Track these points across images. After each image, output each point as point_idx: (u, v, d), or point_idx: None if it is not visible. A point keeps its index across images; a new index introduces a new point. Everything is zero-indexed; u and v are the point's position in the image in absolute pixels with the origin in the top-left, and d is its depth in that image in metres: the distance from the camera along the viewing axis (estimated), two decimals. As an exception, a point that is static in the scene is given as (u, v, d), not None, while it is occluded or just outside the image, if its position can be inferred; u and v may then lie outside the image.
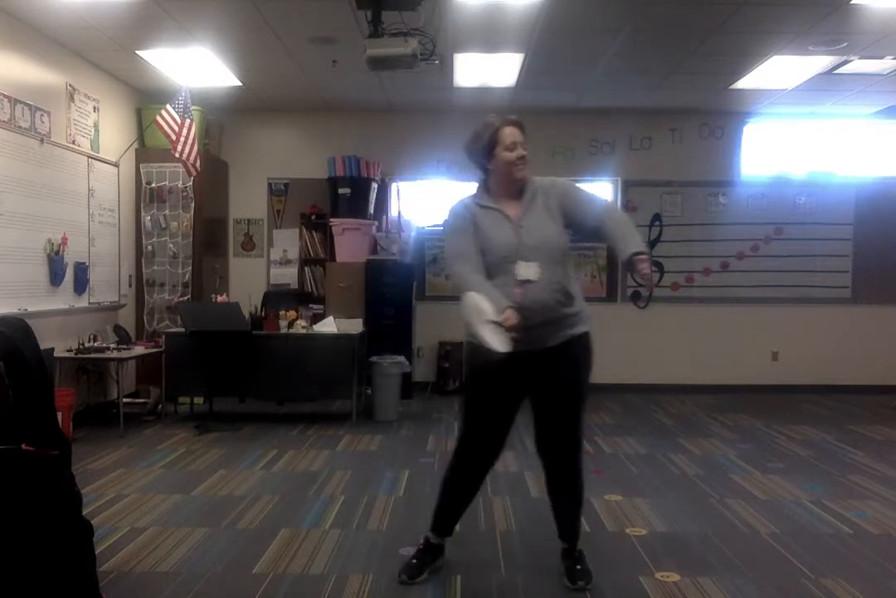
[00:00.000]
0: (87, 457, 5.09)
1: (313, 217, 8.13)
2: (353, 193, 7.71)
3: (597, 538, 3.58)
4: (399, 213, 8.24)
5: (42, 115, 5.72)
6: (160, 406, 6.58)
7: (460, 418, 3.18)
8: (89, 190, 6.42)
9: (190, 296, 7.25)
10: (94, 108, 6.55)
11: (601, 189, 8.12)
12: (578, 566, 3.11)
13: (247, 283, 7.87)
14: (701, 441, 5.80)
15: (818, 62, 6.30)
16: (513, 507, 4.11)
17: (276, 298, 7.06)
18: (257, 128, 8.19)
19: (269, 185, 8.25)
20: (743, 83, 6.97)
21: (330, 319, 6.56)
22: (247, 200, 8.23)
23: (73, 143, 6.18)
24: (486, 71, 6.67)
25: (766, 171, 8.29)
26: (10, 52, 5.38)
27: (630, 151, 8.22)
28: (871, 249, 8.18)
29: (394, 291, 7.48)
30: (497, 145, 2.98)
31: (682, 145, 8.22)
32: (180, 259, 7.30)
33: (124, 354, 6.12)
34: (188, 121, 6.34)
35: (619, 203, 7.95)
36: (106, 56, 6.35)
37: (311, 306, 7.46)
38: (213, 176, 7.65)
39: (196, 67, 6.52)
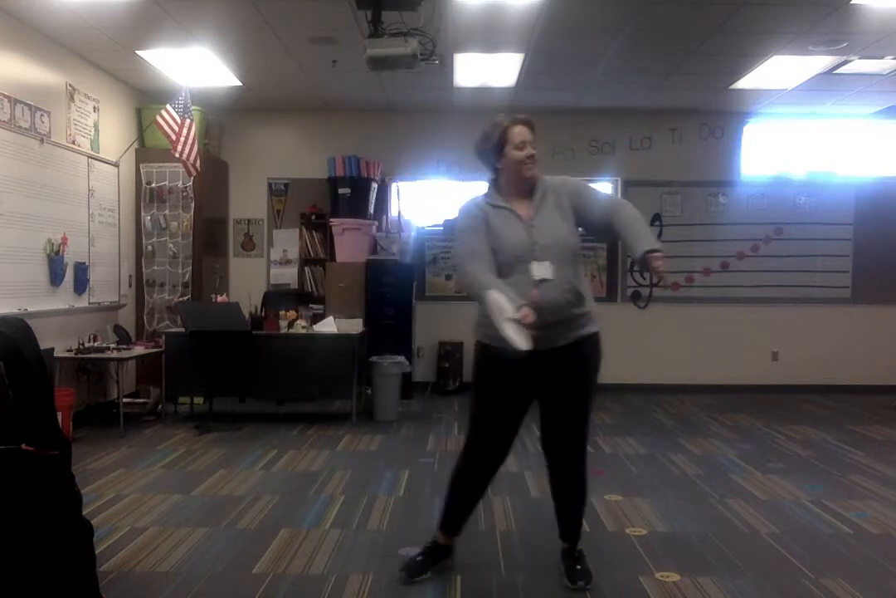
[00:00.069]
0: (87, 457, 5.09)
1: (313, 217, 8.13)
2: (353, 193, 7.71)
3: (597, 538, 3.58)
4: (399, 213, 8.24)
5: (42, 115, 5.72)
6: (160, 406, 6.58)
7: (469, 417, 3.18)
8: (89, 190, 6.42)
9: (190, 296, 7.25)
10: (94, 108, 6.55)
11: (601, 189, 8.12)
12: (578, 566, 3.11)
13: (247, 283, 7.87)
14: (701, 441, 5.80)
15: (818, 62, 6.30)
16: (513, 507, 4.11)
17: (276, 298, 7.06)
18: (257, 128, 8.19)
19: (269, 185, 8.25)
20: (743, 83, 6.97)
21: (330, 319, 6.56)
22: (247, 200, 8.23)
23: (73, 143, 6.18)
24: (486, 71, 6.67)
25: (766, 171, 8.29)
26: (10, 52, 5.38)
27: (630, 151, 8.22)
28: (871, 249, 8.18)
29: (394, 291, 7.48)
30: (506, 144, 2.99)
31: (682, 145, 8.22)
32: (180, 259, 7.30)
33: (124, 354, 6.12)
34: (188, 121, 6.34)
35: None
36: (106, 56, 6.35)
37: (311, 306, 7.46)
38: (213, 176, 7.65)
39: (196, 67, 6.52)
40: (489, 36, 5.73)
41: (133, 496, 4.26)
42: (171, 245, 7.30)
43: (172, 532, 3.67)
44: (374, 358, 6.54)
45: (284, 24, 5.53)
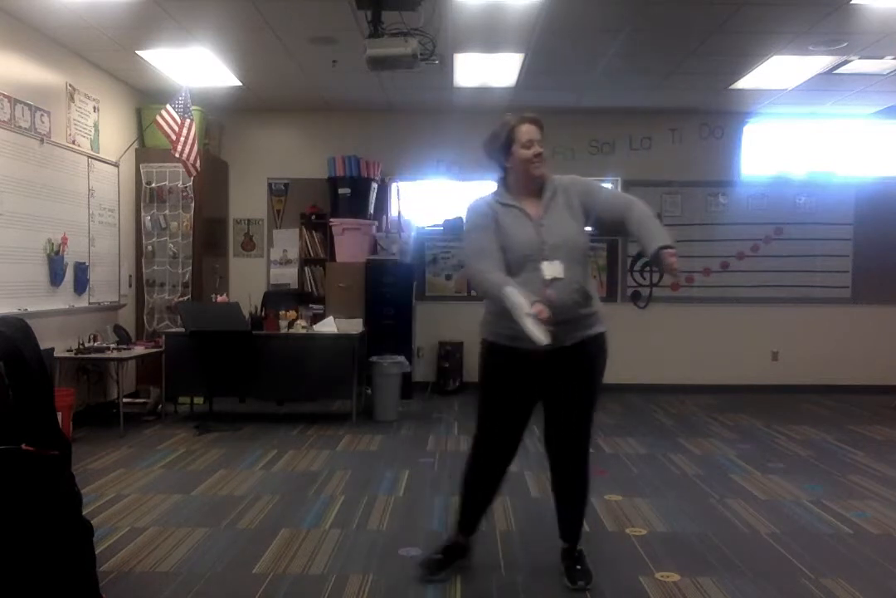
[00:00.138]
0: (87, 457, 5.09)
1: (313, 217, 8.12)
2: (353, 193, 7.71)
3: (597, 538, 3.58)
4: (399, 213, 8.24)
5: (42, 115, 5.72)
6: (160, 406, 6.58)
7: (476, 416, 3.18)
8: (89, 190, 6.42)
9: (190, 296, 7.25)
10: (94, 108, 6.55)
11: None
12: (578, 566, 3.11)
13: (247, 283, 7.87)
14: (701, 441, 5.80)
15: (818, 62, 6.30)
16: (513, 507, 4.11)
17: (276, 298, 7.06)
18: (257, 128, 8.19)
19: (269, 185, 8.25)
20: (743, 83, 6.97)
21: (330, 319, 6.56)
22: (247, 200, 8.23)
23: (73, 143, 6.18)
24: (486, 71, 6.66)
25: (766, 171, 8.29)
26: (10, 52, 5.38)
27: (630, 151, 8.22)
28: (871, 249, 8.17)
29: (394, 292, 7.48)
30: (514, 143, 2.99)
31: (682, 145, 8.22)
32: (180, 259, 7.30)
33: (124, 354, 6.12)
34: (188, 121, 6.34)
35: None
36: (106, 56, 6.35)
37: (311, 306, 7.46)
38: (213, 176, 7.65)
39: (196, 67, 6.52)
40: (489, 36, 5.73)
41: (133, 496, 4.26)
42: (171, 245, 7.30)
43: (172, 532, 3.67)
44: (374, 358, 6.54)
45: (284, 24, 5.53)
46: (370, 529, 3.76)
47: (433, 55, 5.04)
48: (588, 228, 3.08)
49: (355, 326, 6.57)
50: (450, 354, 7.96)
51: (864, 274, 8.22)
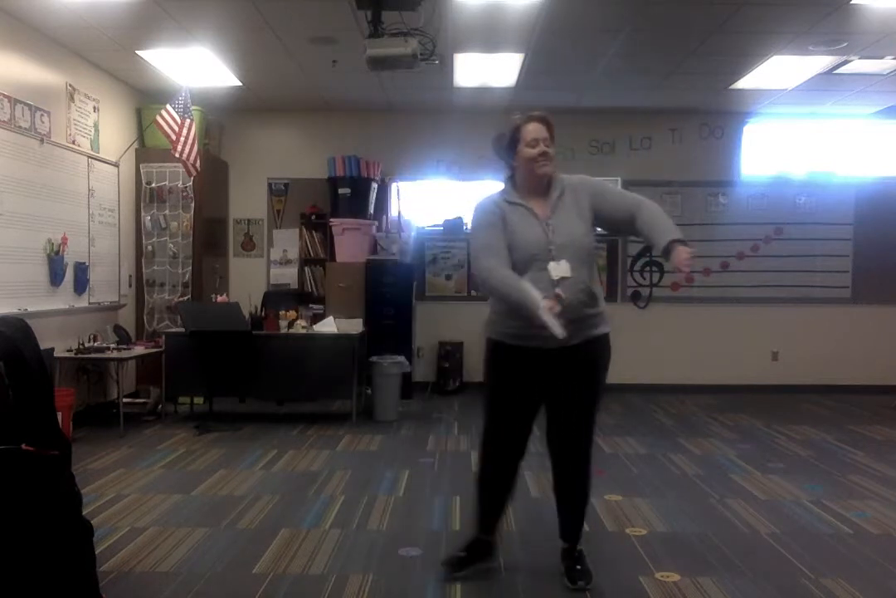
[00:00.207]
0: (87, 457, 5.09)
1: (313, 217, 8.12)
2: (353, 193, 7.71)
3: (597, 538, 3.58)
4: (399, 213, 8.24)
5: (42, 115, 5.72)
6: (160, 406, 6.58)
7: (483, 415, 3.19)
8: (89, 190, 6.42)
9: (190, 296, 7.25)
10: (94, 108, 6.55)
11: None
12: (578, 566, 3.11)
13: (247, 283, 7.87)
14: (701, 441, 5.80)
15: (818, 62, 6.30)
16: (513, 507, 4.08)
17: (276, 298, 7.06)
18: (257, 128, 8.19)
19: (269, 185, 8.25)
20: (743, 83, 6.97)
21: (330, 319, 6.56)
22: (247, 200, 8.23)
23: (73, 143, 6.18)
24: (486, 71, 6.66)
25: (766, 171, 8.29)
26: (10, 52, 5.38)
27: (630, 151, 8.22)
28: (871, 249, 8.17)
29: (394, 292, 7.48)
30: (519, 142, 3.00)
31: (682, 145, 8.22)
32: (180, 259, 7.30)
33: (124, 354, 6.12)
34: (188, 121, 6.34)
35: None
36: (106, 56, 6.35)
37: (311, 306, 7.46)
38: (213, 176, 7.65)
39: (196, 67, 6.52)
40: (489, 36, 5.73)
41: (133, 496, 4.26)
42: (171, 245, 7.30)
43: (172, 532, 3.67)
44: (374, 358, 6.54)
45: (284, 24, 5.53)
46: (370, 529, 3.76)
47: (433, 55, 5.04)
48: (597, 229, 3.08)
49: (355, 326, 6.57)
50: (450, 354, 7.96)
51: (864, 274, 8.21)
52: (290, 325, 6.42)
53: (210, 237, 7.59)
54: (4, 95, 5.26)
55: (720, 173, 8.23)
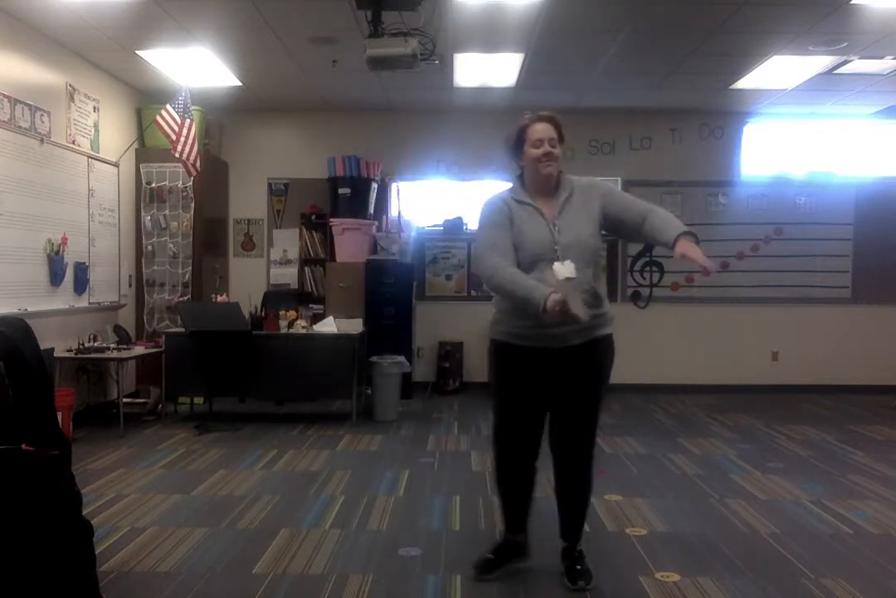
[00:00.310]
0: (87, 457, 5.09)
1: (313, 217, 8.12)
2: (353, 193, 7.71)
3: (597, 538, 3.58)
4: (399, 213, 8.24)
5: (42, 115, 5.72)
6: (160, 406, 6.58)
7: (493, 417, 3.21)
8: (89, 190, 6.42)
9: (190, 296, 7.25)
10: (94, 108, 6.55)
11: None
12: (578, 566, 3.11)
13: (247, 283, 7.87)
14: (701, 441, 5.80)
15: (818, 62, 6.30)
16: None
17: (276, 298, 7.06)
18: (257, 128, 8.19)
19: (269, 185, 8.25)
20: (743, 83, 6.97)
21: (330, 319, 6.56)
22: (247, 200, 8.23)
23: (73, 143, 6.18)
24: (486, 71, 6.66)
25: (766, 171, 8.29)
26: (10, 52, 5.38)
27: (630, 151, 8.22)
28: (871, 249, 8.17)
29: (394, 292, 7.48)
30: (525, 142, 3.01)
31: (682, 145, 8.22)
32: (180, 259, 7.30)
33: (124, 354, 6.12)
34: (188, 121, 6.33)
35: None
36: (106, 56, 6.35)
37: (311, 306, 7.46)
38: (213, 176, 7.65)
39: (196, 67, 6.52)
40: (489, 36, 5.73)
41: (133, 496, 4.26)
42: (171, 245, 7.30)
43: (172, 532, 3.67)
44: (374, 358, 6.54)
45: (284, 24, 5.53)
46: (370, 529, 3.76)
47: (433, 55, 5.04)
48: (602, 231, 3.09)
49: (355, 326, 6.57)
50: (450, 354, 7.96)
51: (864, 274, 8.21)
52: (290, 325, 6.42)
53: (210, 237, 7.59)
54: (4, 95, 5.26)
55: (720, 173, 8.23)
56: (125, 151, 7.04)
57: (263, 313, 6.49)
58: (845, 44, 5.81)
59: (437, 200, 8.31)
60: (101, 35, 5.76)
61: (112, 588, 2.97)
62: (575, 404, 3.05)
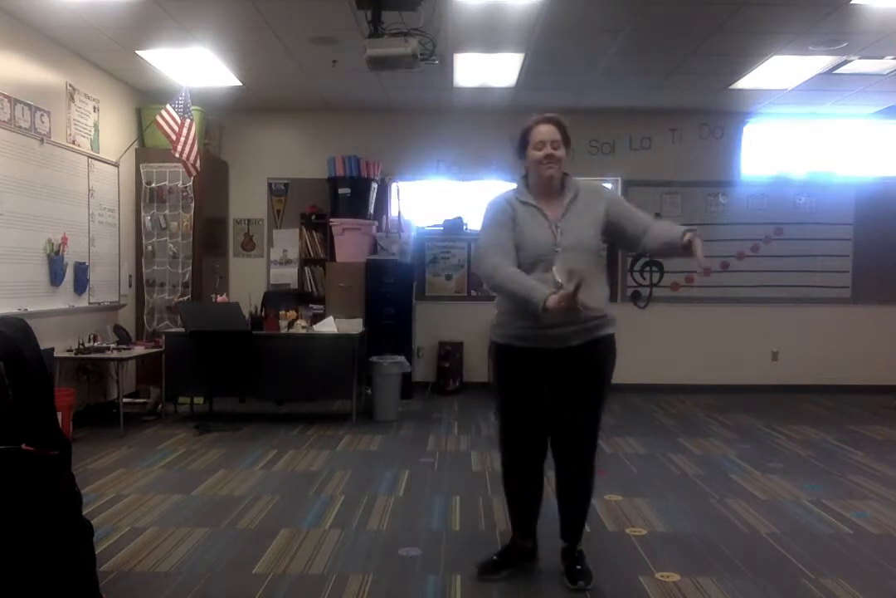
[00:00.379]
0: (87, 457, 5.09)
1: (313, 217, 8.12)
2: (353, 193, 7.71)
3: (597, 538, 3.58)
4: (399, 213, 8.24)
5: (42, 115, 5.72)
6: (160, 406, 6.58)
7: (498, 420, 3.21)
8: (89, 190, 6.42)
9: (190, 296, 7.25)
10: (94, 108, 6.55)
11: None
12: (578, 566, 3.11)
13: (247, 283, 7.87)
14: (701, 441, 5.80)
15: (818, 62, 6.30)
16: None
17: (276, 298, 7.06)
18: (257, 128, 8.19)
19: (269, 185, 8.25)
20: (743, 83, 6.97)
21: (330, 319, 6.56)
22: (247, 200, 8.23)
23: (73, 143, 6.18)
24: (486, 71, 6.66)
25: (766, 171, 8.29)
26: (10, 52, 5.38)
27: (630, 151, 8.22)
28: (871, 249, 8.17)
29: (394, 292, 7.48)
30: (528, 144, 3.03)
31: (682, 145, 8.22)
32: (180, 259, 7.30)
33: (124, 354, 6.12)
34: (188, 121, 6.34)
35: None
36: (106, 56, 6.35)
37: (311, 306, 7.46)
38: (213, 176, 7.65)
39: (196, 67, 6.52)
40: (489, 36, 5.73)
41: (133, 496, 4.26)
42: (171, 245, 7.30)
43: (172, 532, 3.68)
44: (374, 358, 6.54)
45: (284, 24, 5.53)
46: (370, 529, 3.76)
47: (433, 55, 5.04)
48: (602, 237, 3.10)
49: (355, 326, 6.57)
50: (450, 354, 7.96)
51: (864, 274, 8.21)
52: (290, 325, 6.42)
53: (210, 237, 7.59)
54: (4, 95, 5.26)
55: (720, 173, 8.22)
56: (125, 151, 7.04)
57: (263, 313, 6.49)
58: (845, 44, 5.81)
59: (437, 200, 8.31)
60: (101, 35, 5.76)
61: (112, 588, 2.97)
62: (576, 405, 3.06)
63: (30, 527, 2.28)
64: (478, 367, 7.99)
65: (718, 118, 8.15)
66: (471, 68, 6.58)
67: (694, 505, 4.18)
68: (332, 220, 7.79)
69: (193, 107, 6.52)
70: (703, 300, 8.25)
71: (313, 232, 8.14)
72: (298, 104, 7.91)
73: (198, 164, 6.50)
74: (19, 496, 2.27)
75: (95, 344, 6.19)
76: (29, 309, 5.42)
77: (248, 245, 8.27)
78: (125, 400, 6.24)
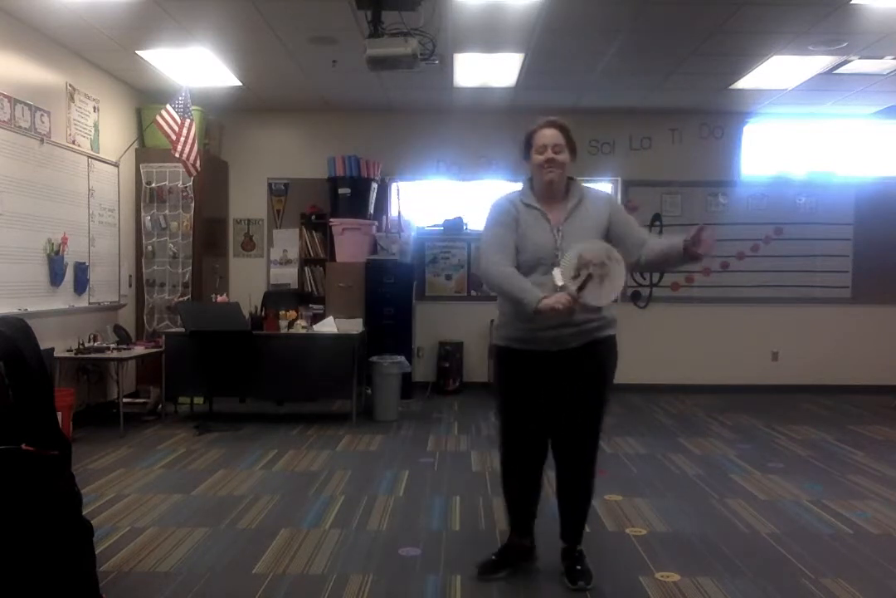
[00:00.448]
0: (87, 457, 5.09)
1: (313, 217, 8.12)
2: (353, 193, 7.71)
3: (597, 538, 3.58)
4: (399, 213, 8.24)
5: (42, 115, 5.72)
6: (160, 406, 6.58)
7: (499, 421, 3.22)
8: (89, 190, 6.42)
9: (190, 296, 7.25)
10: (94, 108, 6.55)
11: (601, 189, 8.13)
12: (578, 567, 3.11)
13: (247, 283, 7.87)
14: (701, 441, 5.80)
15: (818, 62, 6.30)
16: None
17: (276, 298, 7.06)
18: (257, 128, 8.19)
19: (269, 185, 8.25)
20: (743, 83, 6.97)
21: (330, 319, 6.56)
22: (247, 200, 8.23)
23: (73, 143, 6.18)
24: (486, 71, 6.66)
25: (766, 171, 8.29)
26: (10, 52, 5.38)
27: (630, 151, 8.22)
28: (871, 249, 8.17)
29: (394, 291, 7.48)
30: (531, 148, 3.04)
31: (682, 145, 8.22)
32: (180, 259, 7.30)
33: (124, 354, 6.12)
34: (188, 121, 6.33)
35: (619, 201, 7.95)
36: (106, 56, 6.35)
37: (311, 306, 7.46)
38: (213, 176, 7.65)
39: (196, 67, 6.52)
40: (489, 36, 5.73)
41: (133, 496, 4.26)
42: (171, 245, 7.30)
43: (172, 532, 3.68)
44: (374, 358, 6.54)
45: (284, 24, 5.53)
46: (370, 529, 3.76)
47: (433, 55, 5.04)
48: None
49: (355, 326, 6.57)
50: (450, 354, 7.96)
51: (864, 274, 8.21)
52: (290, 325, 6.42)
53: (210, 237, 7.59)
54: (4, 95, 5.26)
55: (720, 173, 8.22)
56: (125, 151, 7.04)
57: (263, 313, 6.49)
58: (845, 44, 5.81)
59: (437, 200, 8.31)
60: (101, 35, 5.76)
61: (112, 588, 2.97)
62: (576, 406, 3.06)
63: (30, 527, 2.28)
64: (478, 367, 7.99)
65: (718, 118, 8.15)
66: (471, 68, 6.58)
67: (694, 505, 4.19)
68: (332, 220, 7.79)
69: (193, 107, 6.52)
70: (703, 300, 8.25)
71: (313, 232, 8.14)
72: (298, 104, 7.91)
73: (198, 164, 6.50)
74: (19, 496, 2.27)
75: (95, 344, 6.19)
76: (29, 309, 5.42)
77: (248, 245, 8.27)
78: (125, 400, 6.24)
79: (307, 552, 3.43)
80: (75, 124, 6.21)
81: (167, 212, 7.29)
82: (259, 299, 6.85)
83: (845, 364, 8.12)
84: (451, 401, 7.55)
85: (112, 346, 6.28)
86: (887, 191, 8.20)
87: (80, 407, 6.04)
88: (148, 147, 7.33)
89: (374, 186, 7.83)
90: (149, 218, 7.30)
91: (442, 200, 8.30)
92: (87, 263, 6.35)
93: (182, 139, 6.31)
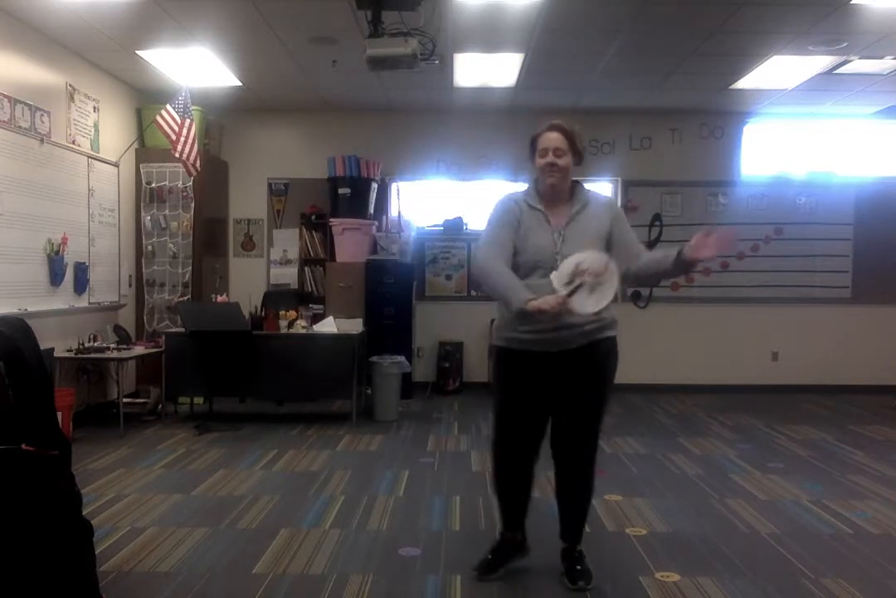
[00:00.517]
0: (87, 457, 5.09)
1: (313, 217, 8.12)
2: (353, 193, 7.71)
3: (597, 538, 3.58)
4: (399, 213, 8.24)
5: (42, 115, 5.72)
6: (160, 406, 6.58)
7: (493, 420, 3.22)
8: (89, 190, 6.42)
9: (190, 296, 7.25)
10: (94, 108, 6.55)
11: (601, 189, 8.13)
12: (578, 567, 3.11)
13: (247, 283, 7.87)
14: (701, 441, 5.80)
15: (818, 62, 6.30)
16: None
17: (276, 298, 7.05)
18: (257, 128, 8.19)
19: (269, 185, 8.25)
20: (743, 83, 6.97)
21: (330, 319, 6.56)
22: (247, 200, 8.23)
23: (73, 143, 6.18)
24: (486, 71, 6.66)
25: (766, 171, 8.29)
26: (10, 52, 5.38)
27: (630, 151, 8.22)
28: (871, 249, 8.17)
29: (394, 291, 7.48)
30: (535, 151, 3.05)
31: (682, 145, 8.22)
32: (180, 259, 7.30)
33: (124, 354, 6.12)
34: (188, 121, 6.34)
35: (619, 203, 7.94)
36: (106, 56, 6.35)
37: (311, 306, 7.47)
38: (213, 176, 7.65)
39: (196, 67, 6.52)
40: (489, 36, 5.73)
41: (133, 496, 4.26)
42: (171, 245, 7.30)
43: (172, 532, 3.68)
44: (374, 358, 6.54)
45: (284, 24, 5.53)
46: (370, 529, 3.76)
47: (433, 55, 5.04)
48: None
49: (355, 326, 6.57)
50: (450, 354, 7.96)
51: (864, 274, 8.21)
52: (290, 325, 6.42)
53: (210, 237, 7.59)
54: (4, 95, 5.26)
55: (720, 173, 8.22)
56: (125, 151, 7.04)
57: (263, 313, 6.48)
58: (845, 44, 5.81)
59: (437, 200, 8.31)
60: (101, 35, 5.76)
61: (112, 588, 2.97)
62: (575, 406, 3.06)
63: (30, 527, 2.28)
64: (478, 367, 7.99)
65: (718, 118, 8.15)
66: (471, 68, 6.58)
67: (694, 505, 4.19)
68: (332, 220, 7.79)
69: (193, 107, 6.52)
70: (703, 300, 8.25)
71: (313, 232, 8.14)
72: (298, 104, 7.91)
73: (198, 164, 6.50)
74: (19, 496, 2.27)
75: (95, 344, 6.19)
76: (29, 309, 5.42)
77: (248, 245, 8.27)
78: (125, 400, 6.25)
79: (307, 552, 3.43)
80: (75, 124, 6.21)
81: (167, 212, 7.29)
82: (259, 299, 6.85)
83: (845, 364, 8.12)
84: (451, 401, 7.55)
85: (112, 346, 6.28)
86: (887, 191, 8.20)
87: (80, 407, 6.04)
88: (148, 147, 7.33)
89: (374, 186, 7.83)
90: (149, 218, 7.30)
91: (442, 200, 8.30)
92: (87, 263, 6.35)
93: (182, 139, 6.31)
